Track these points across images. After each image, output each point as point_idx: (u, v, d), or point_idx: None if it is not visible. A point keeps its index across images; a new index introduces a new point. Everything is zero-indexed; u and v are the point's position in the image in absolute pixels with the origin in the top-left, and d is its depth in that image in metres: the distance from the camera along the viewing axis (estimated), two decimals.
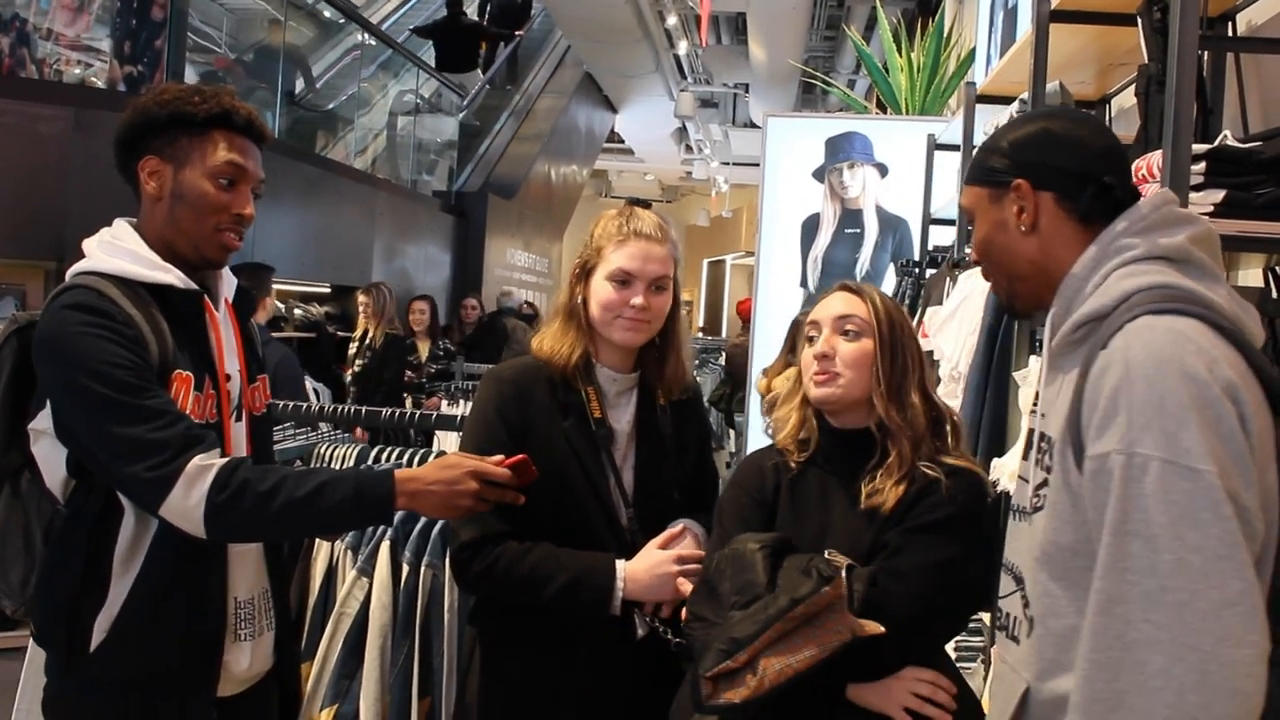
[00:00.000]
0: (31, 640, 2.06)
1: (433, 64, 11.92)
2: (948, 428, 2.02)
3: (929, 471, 1.92)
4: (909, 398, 1.96)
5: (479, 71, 13.15)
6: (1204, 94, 1.97)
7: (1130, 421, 1.33)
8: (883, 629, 1.77)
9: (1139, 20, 2.33)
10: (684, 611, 1.95)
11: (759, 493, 2.03)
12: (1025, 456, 1.63)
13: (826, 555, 1.85)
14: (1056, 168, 1.56)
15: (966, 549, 1.90)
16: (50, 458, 1.88)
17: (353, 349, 7.43)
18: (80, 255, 1.94)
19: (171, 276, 1.91)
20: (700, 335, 17.41)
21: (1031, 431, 1.62)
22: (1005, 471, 2.51)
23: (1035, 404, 1.63)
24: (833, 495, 1.99)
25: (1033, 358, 2.57)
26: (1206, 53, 2.58)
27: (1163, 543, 1.29)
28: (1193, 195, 1.97)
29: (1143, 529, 1.30)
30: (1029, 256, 1.59)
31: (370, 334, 7.29)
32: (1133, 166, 2.14)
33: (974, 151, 3.74)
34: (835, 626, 1.75)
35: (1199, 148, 1.98)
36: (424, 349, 7.90)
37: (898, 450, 1.94)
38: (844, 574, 1.80)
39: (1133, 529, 1.31)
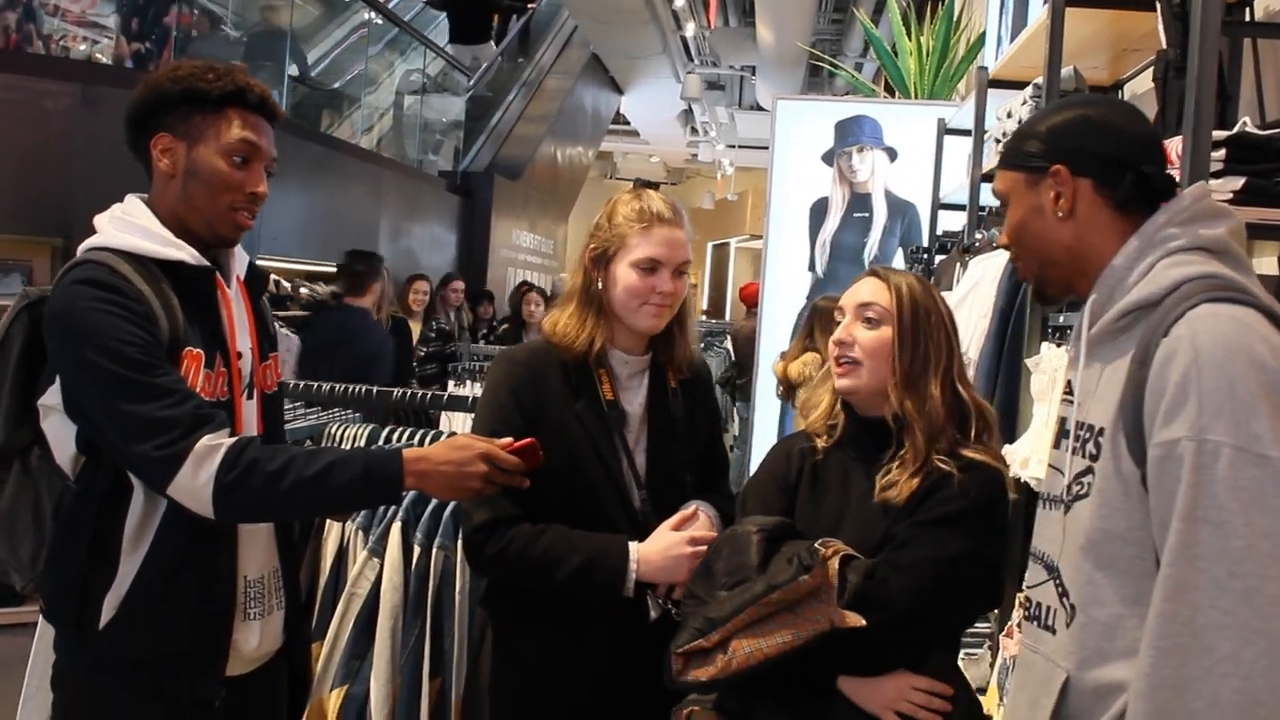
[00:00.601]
0: (41, 616, 2.07)
1: (439, 42, 11.87)
2: (973, 420, 1.99)
3: (943, 465, 1.91)
4: (928, 389, 1.94)
5: (492, 44, 13.08)
6: (1223, 80, 1.96)
7: (1200, 408, 1.34)
8: (864, 622, 1.77)
9: (1158, 5, 2.31)
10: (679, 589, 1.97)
11: (783, 477, 2.04)
12: (1056, 445, 1.63)
13: (818, 544, 1.84)
14: (1095, 154, 1.56)
15: (977, 545, 1.89)
16: (60, 434, 1.88)
17: None
18: (87, 231, 1.93)
19: (184, 253, 1.90)
20: (704, 319, 17.38)
21: (1063, 420, 1.62)
22: (1017, 458, 2.50)
23: (1068, 392, 1.63)
24: (853, 482, 1.98)
25: (1045, 344, 2.56)
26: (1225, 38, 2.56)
27: (1233, 529, 1.30)
28: (1213, 182, 1.96)
29: (1213, 515, 1.31)
30: (1064, 242, 1.59)
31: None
32: None
33: (985, 136, 3.74)
34: (815, 615, 1.76)
35: (1219, 134, 1.98)
36: (415, 330, 7.24)
37: (912, 443, 1.93)
38: (831, 563, 1.80)
39: (1203, 515, 1.32)
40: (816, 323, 4.59)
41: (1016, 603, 2.34)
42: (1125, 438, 1.44)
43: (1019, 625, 2.28)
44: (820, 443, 2.04)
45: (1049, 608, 1.58)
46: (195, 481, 1.76)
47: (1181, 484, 1.34)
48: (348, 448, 2.77)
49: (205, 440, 1.77)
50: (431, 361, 7.24)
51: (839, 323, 2.02)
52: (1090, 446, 1.51)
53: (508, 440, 1.93)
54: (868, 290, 2.01)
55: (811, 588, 1.75)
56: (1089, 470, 1.51)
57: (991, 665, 3.02)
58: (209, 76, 1.92)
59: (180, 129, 1.92)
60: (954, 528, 1.86)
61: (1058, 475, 1.60)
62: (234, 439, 1.81)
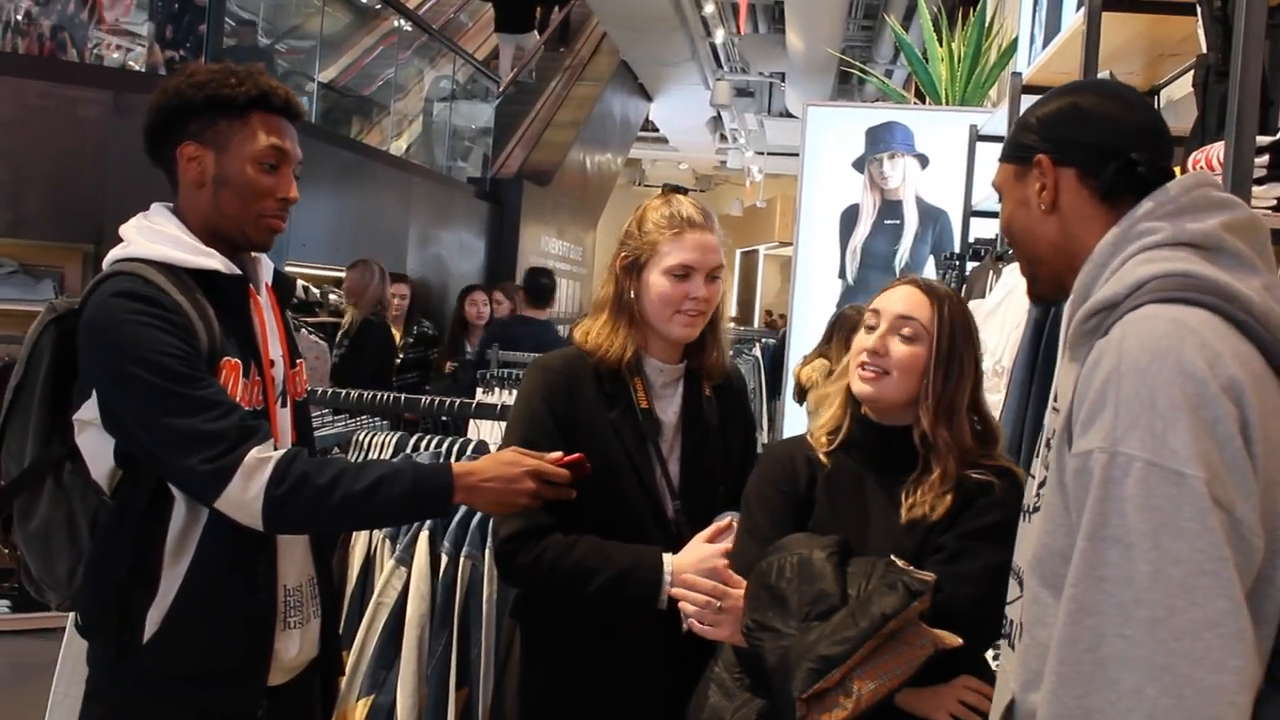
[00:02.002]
0: (72, 628, 2.05)
1: (469, 49, 11.91)
2: (987, 429, 1.98)
3: (977, 476, 1.88)
4: (959, 414, 1.91)
5: (535, 34, 13.11)
6: (1265, 84, 1.91)
7: (1116, 418, 1.24)
8: (960, 641, 1.73)
9: (1198, 8, 2.27)
10: (743, 617, 1.89)
11: (788, 485, 1.99)
12: (1036, 454, 1.55)
13: (895, 561, 1.80)
14: (1080, 142, 1.47)
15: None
16: (96, 449, 1.86)
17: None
18: (118, 238, 1.92)
19: (216, 262, 1.89)
20: (733, 326, 17.36)
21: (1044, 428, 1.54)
22: None
23: (1054, 399, 1.53)
24: (869, 491, 1.95)
25: None
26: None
27: (1140, 551, 1.19)
28: (1255, 189, 1.92)
29: (1120, 535, 1.21)
30: (1049, 237, 1.51)
31: (347, 319, 6.22)
32: (1190, 159, 2.08)
33: None
34: (918, 640, 1.71)
35: (1262, 140, 1.93)
36: (397, 334, 6.67)
37: (942, 467, 1.89)
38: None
39: (1110, 534, 1.22)
40: (838, 331, 4.57)
41: None
42: (1068, 447, 1.34)
43: None
44: (823, 449, 2.00)
45: (1016, 623, 1.50)
46: (245, 495, 1.75)
47: (1090, 498, 1.24)
48: (375, 456, 2.77)
49: (254, 453, 1.76)
50: (411, 370, 6.82)
51: (871, 327, 1.97)
52: (1051, 456, 1.42)
53: (557, 455, 1.92)
54: (908, 303, 1.95)
55: (919, 612, 1.71)
56: (1045, 481, 1.42)
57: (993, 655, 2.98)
58: (231, 81, 1.90)
59: (206, 136, 1.90)
60: (998, 538, 1.80)
61: (1032, 484, 1.52)
62: (282, 451, 1.80)
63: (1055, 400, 1.50)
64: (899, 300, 1.96)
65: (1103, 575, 1.22)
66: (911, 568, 1.79)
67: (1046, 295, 1.60)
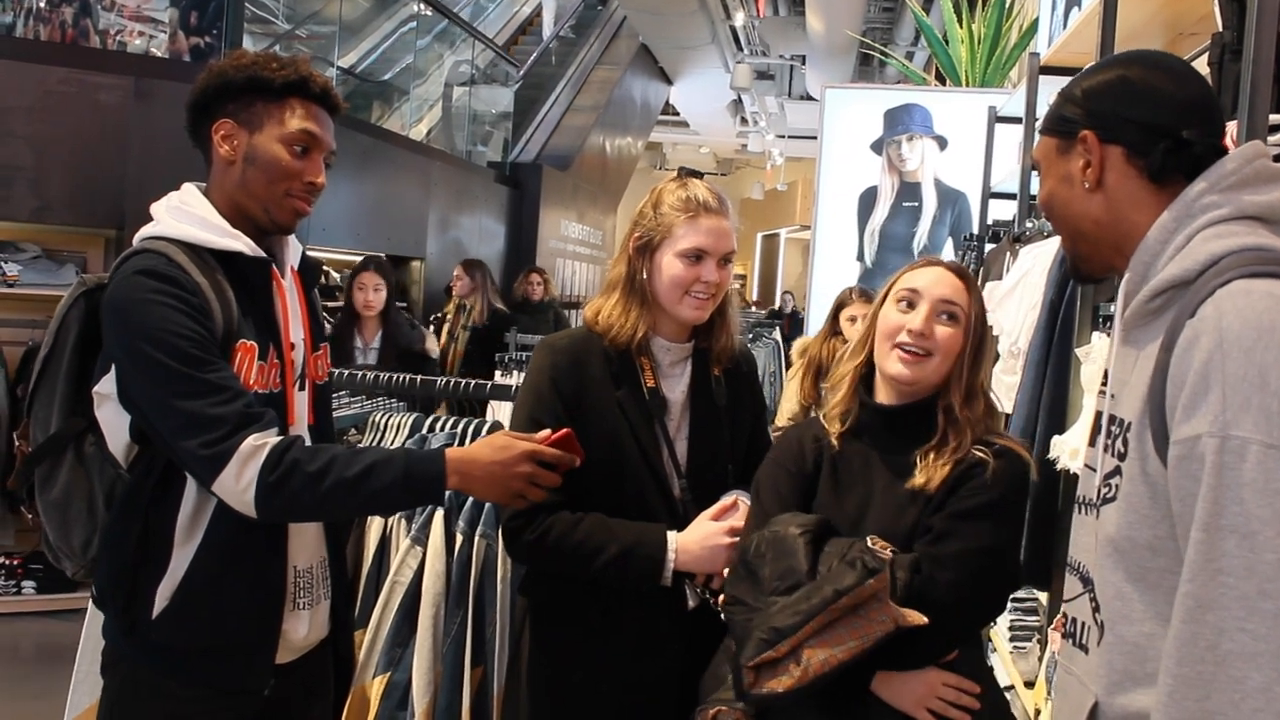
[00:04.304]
0: (91, 603, 2.09)
1: (489, 33, 11.92)
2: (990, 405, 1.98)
3: (978, 452, 1.88)
4: (980, 392, 1.93)
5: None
6: (1279, 63, 1.91)
7: (1225, 400, 1.17)
8: (925, 620, 1.74)
9: None
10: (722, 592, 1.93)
11: (796, 467, 1.99)
12: (1092, 442, 1.48)
13: (869, 542, 1.81)
14: (1129, 119, 1.39)
15: (1011, 535, 1.88)
16: (113, 422, 1.89)
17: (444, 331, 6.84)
18: (140, 223, 1.94)
19: (240, 244, 1.91)
20: (754, 309, 17.32)
21: (1099, 414, 1.46)
22: (1065, 449, 2.47)
23: (1104, 383, 1.47)
24: (875, 471, 1.95)
25: (1096, 334, 2.52)
26: None
27: (1263, 540, 1.12)
28: None
29: (1240, 524, 1.14)
30: (1093, 215, 1.43)
31: (471, 310, 6.84)
32: None
33: (1036, 124, 3.69)
34: (879, 616, 1.72)
35: (1275, 118, 1.92)
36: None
37: (959, 440, 1.89)
38: (888, 564, 1.77)
39: (1228, 523, 1.14)
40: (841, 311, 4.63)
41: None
42: (1151, 434, 1.27)
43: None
44: (834, 431, 1.99)
45: (1083, 624, 1.44)
46: (239, 482, 1.76)
47: (1203, 486, 1.17)
48: (392, 437, 2.78)
49: (251, 440, 1.77)
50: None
51: (909, 307, 1.93)
52: (1119, 444, 1.35)
53: (545, 433, 1.91)
54: (951, 287, 1.94)
55: (876, 590, 1.72)
56: (1117, 470, 1.34)
57: (1040, 659, 2.98)
58: (273, 65, 1.93)
59: (242, 116, 1.92)
60: (987, 520, 1.83)
61: (1091, 475, 1.45)
62: (279, 439, 1.80)
63: (1105, 385, 1.46)
64: (941, 283, 1.94)
65: (1221, 567, 1.14)
66: (882, 546, 1.80)
67: (1089, 274, 1.55)
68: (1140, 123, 1.39)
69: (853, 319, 4.43)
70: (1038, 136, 1.56)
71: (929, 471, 1.88)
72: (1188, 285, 1.28)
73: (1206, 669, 1.14)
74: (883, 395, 1.98)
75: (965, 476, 1.86)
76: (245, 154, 1.92)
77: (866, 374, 2.01)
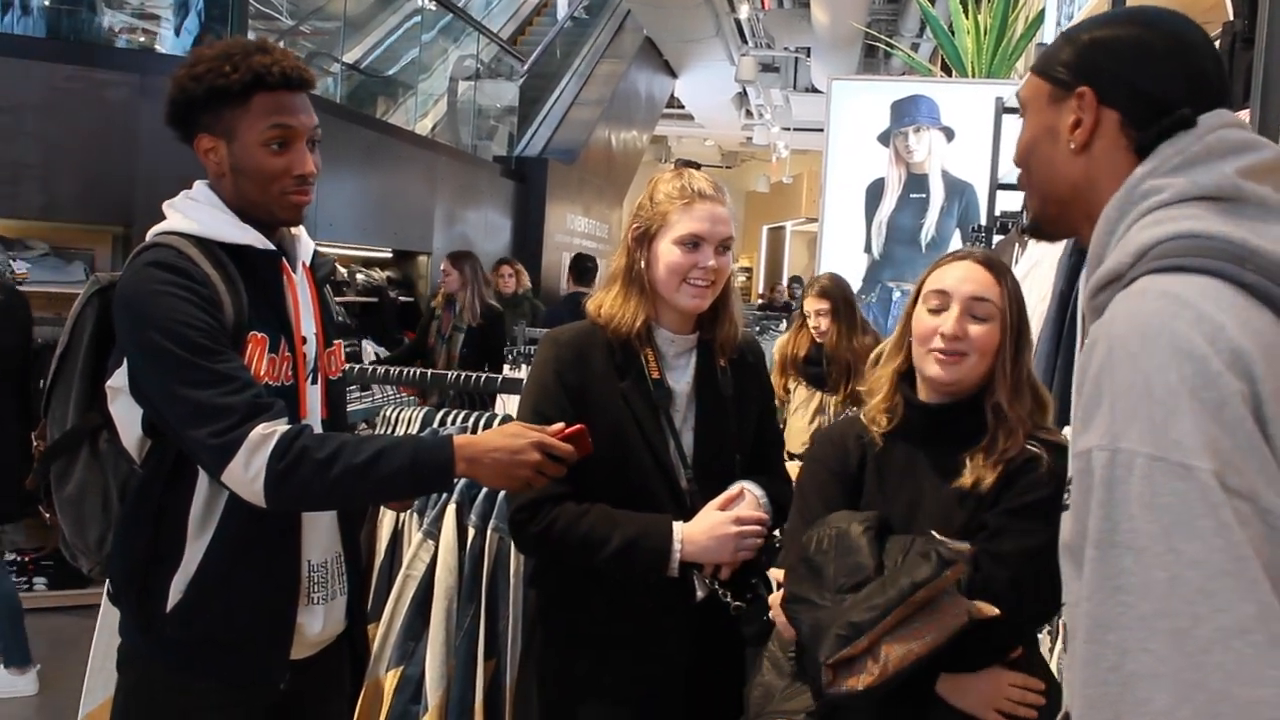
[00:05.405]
0: (106, 598, 2.09)
1: (494, 28, 11.92)
2: (1041, 400, 1.94)
3: (1031, 448, 1.85)
4: (1025, 387, 1.89)
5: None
6: None
7: (1113, 411, 1.09)
8: (998, 611, 1.71)
9: None
10: (780, 591, 1.89)
11: (840, 466, 1.98)
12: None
13: (934, 534, 1.78)
14: (1132, 85, 1.26)
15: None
16: (126, 416, 1.90)
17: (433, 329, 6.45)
18: (148, 219, 1.95)
19: (250, 237, 1.91)
20: (760, 302, 17.31)
21: None
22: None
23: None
24: (920, 470, 1.92)
25: None
26: None
27: (1152, 556, 1.05)
28: None
29: (1131, 540, 1.06)
30: (1072, 180, 1.31)
31: (461, 307, 6.35)
32: None
33: None
34: (953, 610, 1.69)
35: None
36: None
37: (1010, 438, 1.86)
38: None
39: (1121, 540, 1.07)
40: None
41: None
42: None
43: None
44: (877, 430, 1.97)
45: (1070, 629, 1.36)
46: (248, 470, 1.75)
47: (1094, 502, 1.10)
48: (403, 431, 2.79)
49: (259, 429, 1.76)
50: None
51: (939, 308, 1.90)
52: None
53: (559, 426, 1.91)
54: (979, 283, 1.90)
55: (952, 581, 1.70)
56: (1071, 479, 1.26)
57: (1051, 650, 2.98)
58: (226, 69, 1.89)
59: (216, 128, 1.91)
60: (1041, 517, 1.77)
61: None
62: (287, 428, 1.80)
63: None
64: (968, 280, 1.91)
65: (1119, 585, 1.07)
66: (947, 539, 1.77)
67: (1053, 236, 1.44)
68: (1147, 94, 1.25)
69: (817, 312, 4.59)
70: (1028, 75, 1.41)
71: (978, 472, 1.85)
72: (1121, 279, 1.19)
73: (1112, 690, 1.08)
74: (925, 394, 1.96)
75: (1020, 471, 1.84)
76: (231, 165, 1.91)
77: (907, 372, 1.98)
